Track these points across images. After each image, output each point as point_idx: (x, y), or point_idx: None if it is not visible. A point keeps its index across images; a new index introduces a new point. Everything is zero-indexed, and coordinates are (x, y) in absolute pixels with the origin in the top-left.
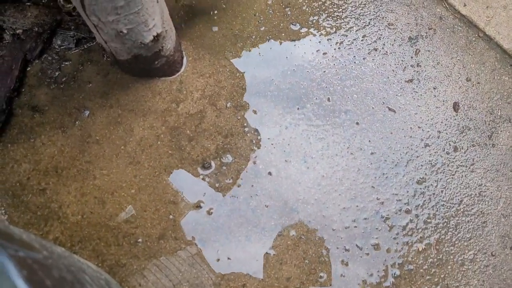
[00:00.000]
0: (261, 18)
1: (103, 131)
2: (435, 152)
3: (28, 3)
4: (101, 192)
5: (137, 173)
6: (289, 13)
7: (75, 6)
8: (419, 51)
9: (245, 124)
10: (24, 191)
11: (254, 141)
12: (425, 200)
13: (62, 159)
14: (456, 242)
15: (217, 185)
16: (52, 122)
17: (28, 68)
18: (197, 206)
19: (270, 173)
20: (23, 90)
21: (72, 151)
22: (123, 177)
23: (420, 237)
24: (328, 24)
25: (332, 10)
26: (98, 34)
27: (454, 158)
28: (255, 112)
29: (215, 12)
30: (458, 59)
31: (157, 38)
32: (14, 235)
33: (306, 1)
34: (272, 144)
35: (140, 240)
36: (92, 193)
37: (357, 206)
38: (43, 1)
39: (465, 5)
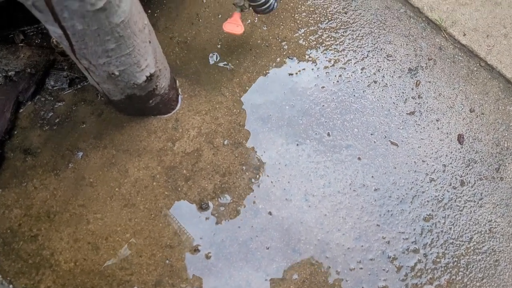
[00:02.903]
0: (257, 52)
1: (97, 173)
2: (441, 187)
3: (21, 44)
4: (94, 238)
5: (132, 216)
6: (285, 47)
7: (65, 50)
8: (420, 82)
9: (243, 162)
10: (15, 238)
11: (253, 180)
12: (433, 238)
13: (54, 203)
14: (468, 283)
15: (215, 227)
16: (45, 165)
17: (21, 110)
18: (195, 249)
19: (270, 213)
20: (15, 132)
21: (65, 195)
22: (117, 221)
23: (430, 278)
24: (325, 57)
25: (329, 43)
26: (89, 76)
27: (461, 193)
28: (253, 149)
29: (211, 47)
30: (460, 90)
31: (150, 78)
32: None
33: (303, 34)
34: (271, 182)
35: (135, 287)
36: (85, 238)
37: (362, 246)
38: (36, 41)
39: (465, 35)
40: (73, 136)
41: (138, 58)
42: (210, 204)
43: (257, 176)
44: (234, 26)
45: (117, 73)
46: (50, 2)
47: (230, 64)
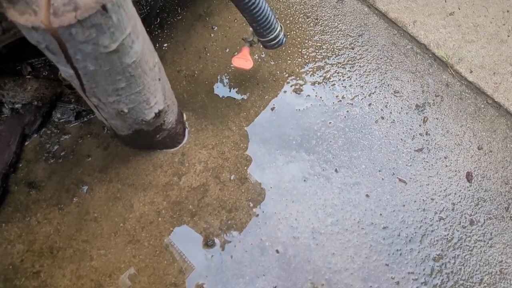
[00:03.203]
0: (265, 87)
1: (101, 208)
2: (450, 226)
3: (29, 76)
4: (98, 275)
5: (137, 252)
6: (293, 81)
7: (75, 88)
8: (427, 119)
9: (249, 198)
10: (17, 275)
11: (259, 216)
12: (443, 279)
13: (58, 238)
14: None
15: (221, 264)
16: (49, 199)
17: (26, 143)
18: None
19: (277, 251)
20: (20, 165)
21: (69, 230)
22: (121, 257)
23: None
24: (333, 93)
25: (336, 78)
26: (98, 112)
27: (471, 232)
28: (260, 184)
29: (218, 81)
30: (468, 127)
31: (159, 114)
32: None
33: (310, 69)
34: (279, 219)
35: None
36: (88, 275)
37: (371, 286)
38: (44, 73)
39: (471, 72)
40: (78, 169)
41: (147, 95)
42: (216, 240)
43: (264, 212)
44: (243, 61)
45: (126, 111)
46: (64, 45)
47: (237, 98)
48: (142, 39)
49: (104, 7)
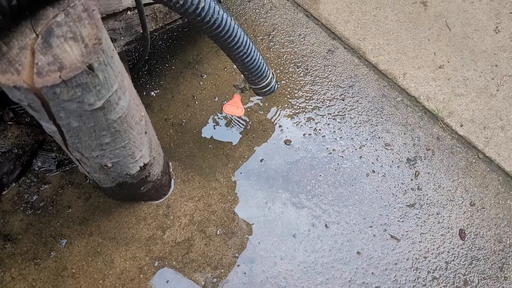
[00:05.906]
0: (254, 137)
1: (80, 263)
2: (444, 286)
3: (10, 122)
4: None
5: None
6: (282, 133)
7: (57, 142)
8: (419, 173)
9: (236, 255)
10: None
11: (246, 274)
12: None
13: None
14: None
15: None
16: (25, 253)
17: (4, 192)
18: None
19: None
20: None
21: (44, 287)
22: None
23: None
24: (323, 145)
25: (327, 130)
26: (80, 166)
27: None
28: (247, 239)
29: (206, 130)
30: (460, 182)
31: (144, 167)
32: None
33: (300, 120)
34: (267, 277)
35: None
36: None
37: None
38: (26, 119)
39: (462, 126)
40: (58, 221)
41: (133, 150)
42: None
43: (251, 269)
44: (234, 108)
45: (110, 165)
46: (47, 104)
47: (225, 148)
48: (128, 94)
49: (90, 67)
